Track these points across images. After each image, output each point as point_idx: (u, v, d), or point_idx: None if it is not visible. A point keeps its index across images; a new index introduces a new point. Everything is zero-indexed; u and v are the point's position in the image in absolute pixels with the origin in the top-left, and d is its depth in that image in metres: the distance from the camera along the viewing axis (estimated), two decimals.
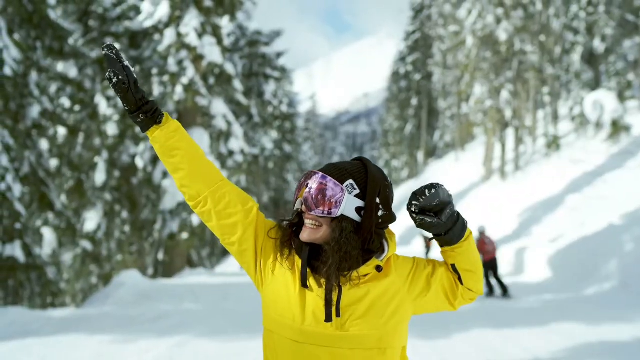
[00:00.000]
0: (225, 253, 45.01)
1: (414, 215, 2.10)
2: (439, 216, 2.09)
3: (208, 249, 38.63)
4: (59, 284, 18.61)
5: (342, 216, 2.06)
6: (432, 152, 67.36)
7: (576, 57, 34.16)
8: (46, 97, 17.66)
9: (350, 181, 2.07)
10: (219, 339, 9.50)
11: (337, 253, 2.04)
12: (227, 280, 19.25)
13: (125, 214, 24.68)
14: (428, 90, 64.09)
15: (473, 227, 28.88)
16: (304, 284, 2.08)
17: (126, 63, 2.06)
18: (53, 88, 20.47)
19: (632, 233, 15.35)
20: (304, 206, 2.09)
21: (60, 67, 21.09)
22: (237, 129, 25.04)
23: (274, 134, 43.80)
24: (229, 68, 24.67)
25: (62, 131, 20.92)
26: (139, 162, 24.24)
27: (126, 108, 2.08)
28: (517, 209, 27.41)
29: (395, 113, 72.10)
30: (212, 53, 23.03)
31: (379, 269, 2.10)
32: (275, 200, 64.03)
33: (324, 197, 2.05)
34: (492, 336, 9.68)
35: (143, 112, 2.09)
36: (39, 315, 11.61)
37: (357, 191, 2.07)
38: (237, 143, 24.99)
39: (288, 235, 2.18)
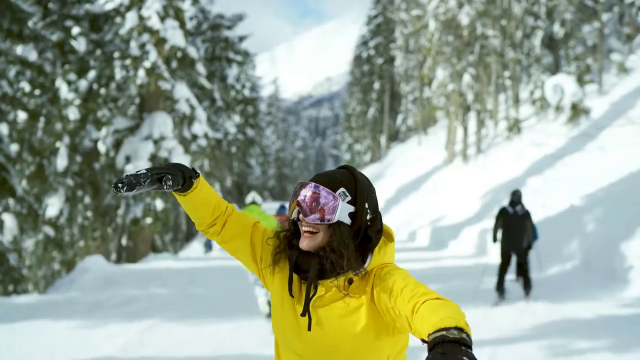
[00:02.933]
0: (188, 238, 44.77)
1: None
2: None
3: (171, 233, 38.42)
4: (21, 271, 18.34)
5: (338, 221, 2.18)
6: (395, 136, 67.67)
7: (537, 41, 34.55)
8: (5, 81, 17.32)
9: (342, 189, 2.21)
10: (187, 322, 9.49)
11: (332, 253, 2.17)
12: (192, 264, 19.18)
13: (87, 200, 24.39)
14: (390, 74, 64.26)
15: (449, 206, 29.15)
16: (290, 293, 2.25)
17: (144, 176, 2.14)
18: (12, 72, 20.07)
19: (592, 214, 15.65)
20: (300, 215, 2.21)
21: (19, 50, 20.68)
22: (201, 113, 24.89)
23: (237, 118, 43.60)
24: (192, 52, 24.47)
25: (22, 115, 20.55)
26: (101, 147, 23.96)
27: (177, 188, 2.25)
28: (479, 192, 27.72)
29: (357, 97, 72.21)
30: (174, 36, 22.81)
31: (350, 281, 2.19)
32: (238, 184, 63.82)
33: (318, 205, 2.18)
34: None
35: (189, 177, 2.28)
36: (3, 302, 11.45)
37: (349, 198, 2.21)
38: (200, 127, 24.85)
39: (284, 245, 2.32)
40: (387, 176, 51.45)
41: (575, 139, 25.56)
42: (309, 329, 2.19)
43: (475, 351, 7.54)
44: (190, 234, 45.09)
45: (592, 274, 13.27)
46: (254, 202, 9.89)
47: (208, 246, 29.07)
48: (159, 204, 22.63)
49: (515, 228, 11.22)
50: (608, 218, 14.87)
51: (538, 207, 20.03)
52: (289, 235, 2.32)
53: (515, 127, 32.11)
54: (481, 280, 13.68)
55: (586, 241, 14.67)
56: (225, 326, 9.17)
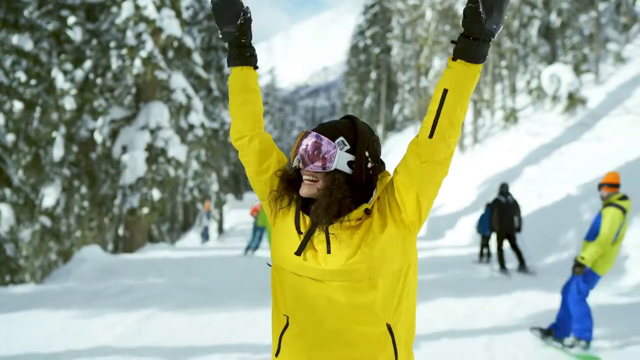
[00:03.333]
0: (185, 228, 44.80)
1: None
2: (490, 17, 2.14)
3: (168, 223, 38.44)
4: (18, 261, 18.34)
5: (336, 169, 2.26)
6: (392, 126, 67.65)
7: (533, 31, 34.50)
8: (1, 71, 17.27)
9: (341, 138, 2.28)
10: (185, 311, 9.51)
11: (327, 198, 2.24)
12: (189, 254, 19.20)
13: (84, 190, 24.36)
14: (387, 63, 64.17)
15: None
16: (298, 230, 2.30)
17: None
18: (8, 61, 19.99)
19: (589, 203, 15.68)
20: (301, 163, 2.31)
21: (15, 39, 20.59)
22: (197, 103, 24.85)
23: None
24: (188, 41, 24.41)
25: (18, 105, 20.47)
26: (98, 137, 23.92)
27: (243, 40, 2.50)
28: (476, 181, 27.76)
29: (354, 87, 72.15)
30: (170, 26, 22.74)
31: (367, 211, 2.27)
32: (235, 174, 63.80)
33: (318, 154, 2.26)
34: (457, 304, 9.86)
35: (251, 50, 2.54)
36: (0, 292, 11.46)
37: (348, 147, 2.28)
38: (197, 117, 24.82)
39: (285, 187, 2.40)
40: None
41: (572, 128, 25.58)
42: (329, 252, 2.23)
43: (472, 341, 7.58)
44: (187, 224, 45.12)
45: None
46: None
47: (205, 236, 29.11)
48: (156, 194, 22.61)
49: (508, 214, 13.29)
50: None
51: (535, 197, 20.08)
52: (291, 179, 2.40)
53: (511, 116, 32.11)
54: (482, 270, 13.74)
55: (582, 230, 14.70)
56: (222, 315, 9.19)
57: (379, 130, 66.06)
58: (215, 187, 37.77)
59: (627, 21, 32.41)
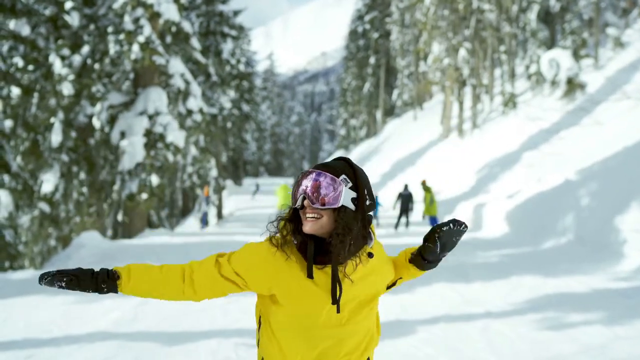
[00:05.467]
0: (184, 213, 44.82)
1: (438, 236, 2.51)
2: (443, 252, 2.56)
3: (167, 209, 38.44)
4: (17, 247, 18.39)
5: (342, 206, 2.32)
6: (391, 111, 67.56)
7: (533, 15, 34.38)
8: None
9: (344, 176, 2.35)
10: None
11: (348, 236, 2.31)
12: (188, 240, 19.21)
13: (83, 175, 24.34)
14: (386, 48, 64.01)
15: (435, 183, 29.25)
16: (309, 275, 2.32)
17: (54, 273, 2.32)
18: (5, 47, 19.94)
19: (587, 188, 15.68)
20: (306, 201, 2.32)
21: (12, 25, 20.51)
22: (196, 88, 24.78)
23: (232, 94, 43.42)
24: (186, 26, 24.30)
25: (15, 91, 20.43)
26: (96, 123, 23.87)
27: (90, 292, 2.36)
28: (475, 166, 27.76)
29: (353, 72, 71.98)
30: (168, 11, 22.64)
31: (370, 255, 2.43)
32: (234, 159, 63.78)
33: (322, 192, 2.31)
34: (454, 290, 9.89)
35: (102, 283, 2.35)
36: None
37: (350, 184, 2.35)
38: (195, 102, 24.75)
39: (291, 230, 2.41)
40: (383, 151, 51.44)
41: (571, 113, 25.56)
42: (338, 311, 2.35)
43: (468, 325, 7.61)
44: (186, 210, 45.13)
45: (586, 248, 13.35)
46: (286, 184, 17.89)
47: (204, 222, 29.12)
48: (155, 180, 22.60)
49: (406, 200, 20.83)
50: (603, 192, 14.91)
51: (533, 182, 20.10)
52: (291, 221, 2.41)
53: (510, 101, 32.06)
54: (479, 255, 13.76)
55: (580, 215, 14.73)
56: (219, 300, 9.19)
57: (378, 115, 65.97)
58: (214, 172, 37.73)
59: (626, 6, 32.29)
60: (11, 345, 6.88)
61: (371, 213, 2.48)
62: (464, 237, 17.68)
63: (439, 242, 2.51)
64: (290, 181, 64.38)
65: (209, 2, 38.11)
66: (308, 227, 2.31)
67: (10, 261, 17.49)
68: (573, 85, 27.09)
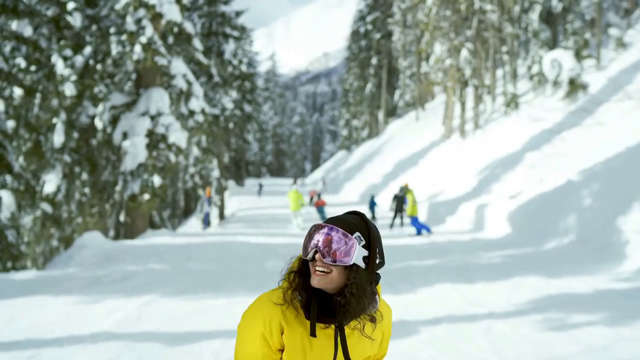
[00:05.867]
0: (186, 214, 44.83)
1: None
2: None
3: (169, 210, 38.46)
4: (19, 247, 18.40)
5: (354, 264, 2.28)
6: (393, 112, 67.53)
7: (535, 16, 34.36)
8: (1, 57, 17.25)
9: (358, 233, 2.29)
10: (184, 297, 9.54)
11: (363, 296, 2.28)
12: (190, 240, 19.22)
13: (85, 176, 24.36)
14: (388, 49, 63.99)
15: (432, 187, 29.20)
16: (312, 333, 2.29)
17: None
18: (8, 48, 19.96)
19: (589, 189, 15.68)
20: (317, 255, 2.27)
21: (14, 25, 20.54)
22: (198, 89, 24.78)
23: (234, 94, 43.42)
24: (188, 27, 24.31)
25: (18, 92, 20.46)
26: (98, 123, 23.89)
27: None
28: (477, 167, 27.75)
29: (355, 72, 71.95)
30: (170, 11, 22.65)
31: (373, 319, 2.37)
32: (236, 160, 63.80)
33: (334, 247, 2.26)
34: (457, 291, 9.89)
35: None
36: (1, 278, 11.49)
37: (363, 242, 2.30)
38: (197, 103, 24.76)
39: (301, 283, 2.37)
40: (384, 152, 51.44)
41: (573, 114, 25.54)
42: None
43: (471, 326, 7.61)
44: (188, 210, 45.16)
45: (588, 249, 13.34)
46: (295, 190, 23.43)
47: (206, 222, 29.12)
48: (157, 180, 22.61)
49: (400, 202, 22.71)
50: (605, 193, 14.91)
51: (536, 182, 20.09)
52: (300, 273, 2.37)
53: (512, 102, 32.05)
54: (481, 255, 13.76)
55: (583, 216, 14.73)
56: (222, 301, 9.22)
57: (380, 116, 65.97)
58: (216, 173, 37.73)
59: (628, 6, 32.27)
60: (14, 346, 6.89)
61: (379, 272, 2.43)
62: (467, 238, 17.73)
63: None
64: (291, 181, 64.40)
65: (211, 2, 38.13)
66: (316, 281, 2.27)
67: (13, 262, 17.50)
68: (575, 86, 27.06)
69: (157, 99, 22.70)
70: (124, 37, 22.01)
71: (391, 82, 67.03)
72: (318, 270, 2.27)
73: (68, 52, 21.63)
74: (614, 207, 13.80)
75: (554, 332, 7.30)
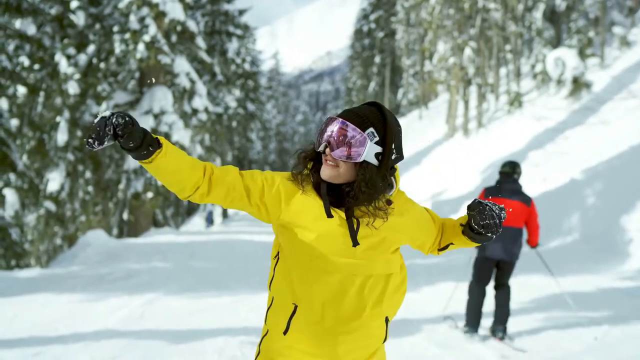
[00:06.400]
0: (189, 212, 44.87)
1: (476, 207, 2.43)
2: (485, 228, 2.40)
3: (172, 208, 38.48)
4: (23, 245, 18.43)
5: (364, 161, 2.24)
6: (396, 110, 67.48)
7: (538, 14, 34.29)
8: (4, 55, 17.26)
9: (371, 129, 2.24)
10: (188, 295, 9.55)
11: (374, 193, 2.26)
12: (193, 238, 19.25)
13: (88, 174, 24.39)
14: (391, 48, 63.92)
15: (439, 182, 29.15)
16: (328, 215, 2.28)
17: (113, 112, 2.09)
18: (11, 46, 19.97)
19: (593, 188, 15.66)
20: (327, 149, 2.25)
21: (18, 24, 20.56)
22: (201, 87, 24.79)
23: (238, 93, 43.43)
24: (192, 25, 24.32)
25: (22, 90, 20.48)
26: None
27: (131, 145, 2.09)
28: (480, 166, 27.71)
29: (358, 71, 71.90)
30: (174, 10, 22.66)
31: (388, 202, 2.33)
32: (240, 159, 63.77)
33: (346, 142, 2.22)
34: (459, 290, 9.88)
35: (148, 144, 2.13)
36: (5, 276, 11.51)
37: (377, 138, 2.25)
38: (200, 101, 24.77)
39: (306, 167, 2.40)
40: None
41: (577, 112, 25.49)
42: (354, 245, 2.30)
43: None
44: (191, 209, 45.18)
45: (592, 248, 13.32)
46: None
47: (209, 220, 29.17)
48: None
49: None
50: (608, 192, 14.88)
51: (539, 181, 20.05)
52: (311, 158, 2.39)
53: (516, 101, 32.00)
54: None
55: (586, 215, 14.71)
56: (226, 299, 9.23)
57: None
58: None
59: (633, 4, 32.21)
60: (18, 343, 6.90)
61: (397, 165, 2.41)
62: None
63: (478, 213, 2.40)
64: None
65: (214, 1, 38.14)
66: (325, 174, 2.27)
67: (17, 260, 17.52)
68: (579, 85, 27.01)
69: (161, 97, 22.72)
70: (127, 35, 22.03)
71: (394, 81, 66.98)
72: (329, 162, 2.26)
73: (71, 50, 21.65)
74: (617, 206, 13.78)
75: (557, 331, 7.29)
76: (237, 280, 10.83)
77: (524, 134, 27.35)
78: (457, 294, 9.39)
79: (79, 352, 6.56)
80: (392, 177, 2.39)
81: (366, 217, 2.30)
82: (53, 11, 21.28)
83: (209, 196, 2.31)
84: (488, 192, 7.49)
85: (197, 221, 38.76)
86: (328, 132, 2.24)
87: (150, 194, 22.62)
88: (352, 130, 2.20)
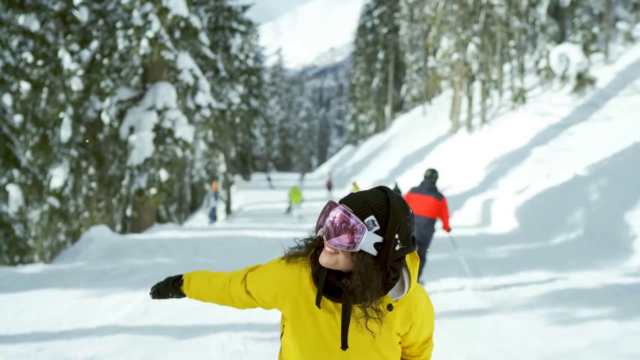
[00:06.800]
0: (193, 208, 44.91)
1: None
2: None
3: (176, 204, 38.52)
4: (27, 241, 18.43)
5: (361, 251, 2.12)
6: (399, 106, 67.44)
7: (542, 10, 34.23)
8: (8, 51, 17.25)
9: (372, 217, 2.12)
10: None
11: (368, 288, 2.12)
12: (197, 234, 19.25)
13: (92, 170, 24.41)
14: (395, 43, 63.87)
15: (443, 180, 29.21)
16: (317, 304, 2.21)
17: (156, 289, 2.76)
18: (15, 42, 19.97)
19: (596, 183, 15.63)
20: (325, 235, 2.17)
21: (21, 20, 20.55)
22: (204, 84, 24.76)
23: (241, 89, 43.40)
24: (195, 21, 24.28)
25: (25, 86, 20.48)
26: (105, 118, 23.91)
27: (172, 297, 2.75)
28: (484, 162, 27.69)
29: (362, 67, 71.87)
30: (177, 6, 22.62)
31: (389, 307, 2.21)
32: (243, 155, 63.80)
33: (343, 230, 2.12)
34: (463, 284, 9.87)
35: (175, 291, 2.74)
36: (9, 272, 11.52)
37: (377, 227, 2.12)
38: (204, 97, 24.74)
39: (309, 252, 2.32)
40: (391, 146, 51.38)
41: (581, 108, 25.45)
42: (343, 348, 2.22)
43: (478, 320, 7.60)
44: (194, 205, 45.22)
45: (595, 244, 13.30)
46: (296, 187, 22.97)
47: (213, 217, 29.15)
48: (164, 175, 22.63)
49: None
50: (612, 188, 14.85)
51: (543, 177, 20.04)
52: (315, 245, 2.30)
53: (520, 97, 31.95)
54: (488, 250, 13.72)
55: (590, 211, 14.68)
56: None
57: (387, 110, 65.83)
58: (222, 167, 37.75)
59: (637, 0, 32.10)
60: (22, 339, 6.91)
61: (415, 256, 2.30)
62: (474, 232, 17.69)
63: None
64: (297, 176, 64.44)
65: None
66: (323, 260, 2.16)
67: (20, 255, 17.54)
68: (583, 80, 26.96)
69: (164, 93, 22.70)
70: (130, 31, 22.01)
71: (398, 77, 66.92)
72: (327, 249, 2.17)
73: (75, 46, 21.64)
74: (621, 202, 13.75)
75: (560, 327, 7.28)
76: None
77: (527, 130, 27.32)
78: (459, 289, 9.38)
79: (82, 347, 6.57)
80: (406, 275, 2.27)
81: (363, 318, 2.20)
82: (56, 7, 21.27)
83: (238, 306, 2.61)
84: (412, 190, 9.88)
85: (200, 217, 38.78)
86: (329, 218, 2.16)
87: (153, 190, 22.62)
88: (350, 219, 2.11)
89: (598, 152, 18.92)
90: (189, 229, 23.41)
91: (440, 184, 29.01)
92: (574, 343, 6.66)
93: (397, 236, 2.13)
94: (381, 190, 2.20)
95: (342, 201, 2.18)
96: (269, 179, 57.82)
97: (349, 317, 2.18)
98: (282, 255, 2.40)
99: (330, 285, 2.20)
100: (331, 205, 2.18)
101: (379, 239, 2.11)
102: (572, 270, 10.80)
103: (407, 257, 2.28)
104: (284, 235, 18.22)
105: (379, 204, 2.14)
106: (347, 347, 2.20)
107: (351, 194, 2.20)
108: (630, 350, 6.39)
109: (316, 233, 2.25)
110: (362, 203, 2.14)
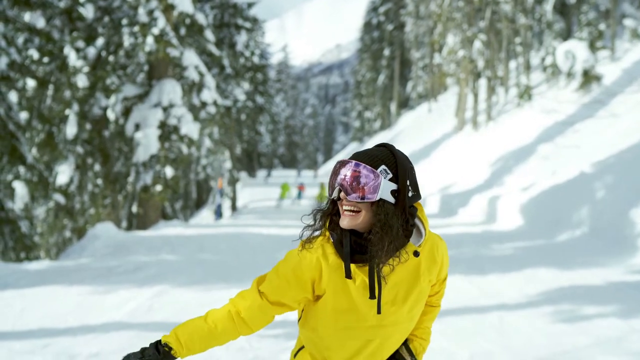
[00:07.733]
0: (198, 205, 44.97)
1: None
2: None
3: (181, 201, 38.57)
4: (33, 238, 18.49)
5: (381, 200, 2.16)
6: (405, 103, 67.36)
7: (548, 7, 34.10)
8: (14, 48, 17.28)
9: (383, 166, 2.18)
10: (196, 288, 9.57)
11: (388, 234, 2.15)
12: (202, 231, 19.28)
13: (97, 167, 24.47)
14: (400, 40, 63.77)
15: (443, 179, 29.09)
16: (347, 275, 2.21)
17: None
18: (20, 39, 20.01)
19: (602, 181, 15.58)
20: (342, 193, 2.18)
21: (27, 17, 20.60)
22: (210, 80, 24.79)
23: (246, 86, 43.42)
24: (200, 18, 24.31)
25: (31, 83, 20.53)
26: (111, 115, 23.97)
27: None
28: (490, 159, 27.64)
29: (367, 64, 71.79)
30: (182, 3, 22.66)
31: (416, 254, 2.25)
32: (248, 152, 63.85)
33: (359, 183, 2.15)
34: (469, 282, 9.86)
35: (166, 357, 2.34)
36: (15, 268, 11.56)
37: (390, 175, 2.18)
38: (209, 94, 24.77)
39: (325, 225, 2.30)
40: (397, 143, 51.32)
41: (587, 105, 25.37)
42: (379, 312, 2.24)
43: (483, 318, 7.59)
44: (200, 202, 45.29)
45: (601, 241, 13.27)
46: (286, 183, 22.52)
47: (218, 214, 29.21)
48: (169, 172, 22.67)
49: None
50: (618, 185, 14.81)
51: (548, 174, 20.00)
52: (328, 213, 2.30)
53: (526, 94, 31.87)
54: (494, 247, 13.69)
55: (596, 208, 14.64)
56: (234, 292, 9.19)
57: (392, 107, 65.78)
58: (228, 164, 37.83)
59: None
60: (28, 335, 6.94)
61: (419, 203, 2.34)
62: (479, 229, 17.67)
63: None
64: (294, 173, 64.53)
65: None
66: (345, 222, 2.17)
67: (26, 252, 17.59)
68: (589, 77, 26.86)
69: (169, 90, 22.74)
70: (136, 28, 22.05)
71: (404, 74, 66.83)
72: (346, 211, 2.18)
73: (80, 43, 21.69)
74: (627, 199, 13.71)
75: (565, 324, 7.27)
76: (245, 273, 10.84)
77: (533, 127, 27.25)
78: (464, 286, 9.39)
79: (87, 343, 6.59)
80: (419, 222, 2.32)
81: (392, 275, 2.23)
82: (62, 4, 21.30)
83: (254, 329, 2.40)
84: None
85: (206, 214, 38.84)
86: (341, 176, 2.18)
87: (159, 187, 22.67)
88: (364, 170, 2.15)
89: (604, 149, 18.86)
90: (195, 225, 23.46)
91: (445, 181, 28.99)
92: (578, 340, 6.65)
93: (408, 182, 2.20)
94: (381, 146, 2.27)
95: (350, 158, 2.22)
96: (268, 175, 59.71)
97: (379, 274, 2.20)
98: (288, 249, 2.42)
99: (355, 247, 2.22)
100: (341, 164, 2.21)
101: (394, 186, 2.18)
102: (577, 268, 10.78)
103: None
104: (289, 232, 18.23)
105: (385, 155, 2.21)
106: (377, 302, 2.22)
107: (355, 152, 2.24)
108: (635, 348, 6.37)
109: (330, 196, 2.24)
110: (370, 156, 2.20)
